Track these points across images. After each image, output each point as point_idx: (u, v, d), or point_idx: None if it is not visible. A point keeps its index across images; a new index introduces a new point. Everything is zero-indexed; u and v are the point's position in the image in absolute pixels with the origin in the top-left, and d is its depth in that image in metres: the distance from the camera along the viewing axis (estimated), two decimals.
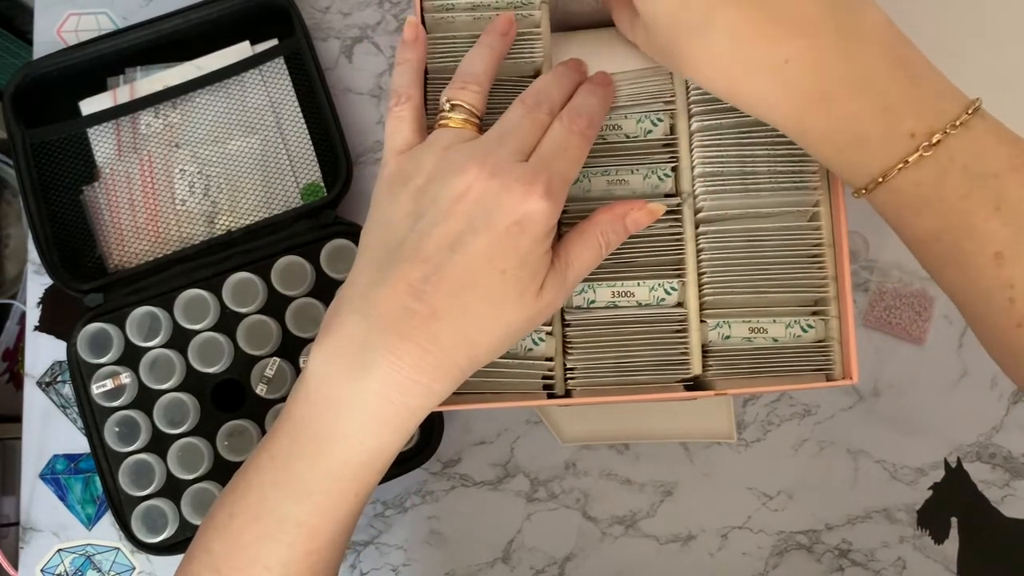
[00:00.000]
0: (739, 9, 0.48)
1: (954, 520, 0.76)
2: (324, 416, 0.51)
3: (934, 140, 0.47)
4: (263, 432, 0.75)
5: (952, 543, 0.76)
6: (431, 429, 0.75)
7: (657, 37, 0.53)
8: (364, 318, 0.50)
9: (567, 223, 0.59)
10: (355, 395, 0.50)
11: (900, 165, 0.48)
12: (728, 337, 0.59)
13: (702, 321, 0.59)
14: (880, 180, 0.49)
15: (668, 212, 0.59)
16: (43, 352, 0.82)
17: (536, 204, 0.49)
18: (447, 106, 0.54)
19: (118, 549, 0.79)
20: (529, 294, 0.51)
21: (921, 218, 0.49)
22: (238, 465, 0.56)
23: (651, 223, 0.57)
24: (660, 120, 0.60)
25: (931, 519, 0.77)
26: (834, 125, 0.49)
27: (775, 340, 0.59)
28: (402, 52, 0.57)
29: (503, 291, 0.50)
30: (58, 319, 0.82)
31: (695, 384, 0.60)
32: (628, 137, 0.60)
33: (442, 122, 0.54)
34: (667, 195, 0.60)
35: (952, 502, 0.77)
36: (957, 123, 0.47)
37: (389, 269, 0.50)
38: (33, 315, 0.82)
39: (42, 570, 0.79)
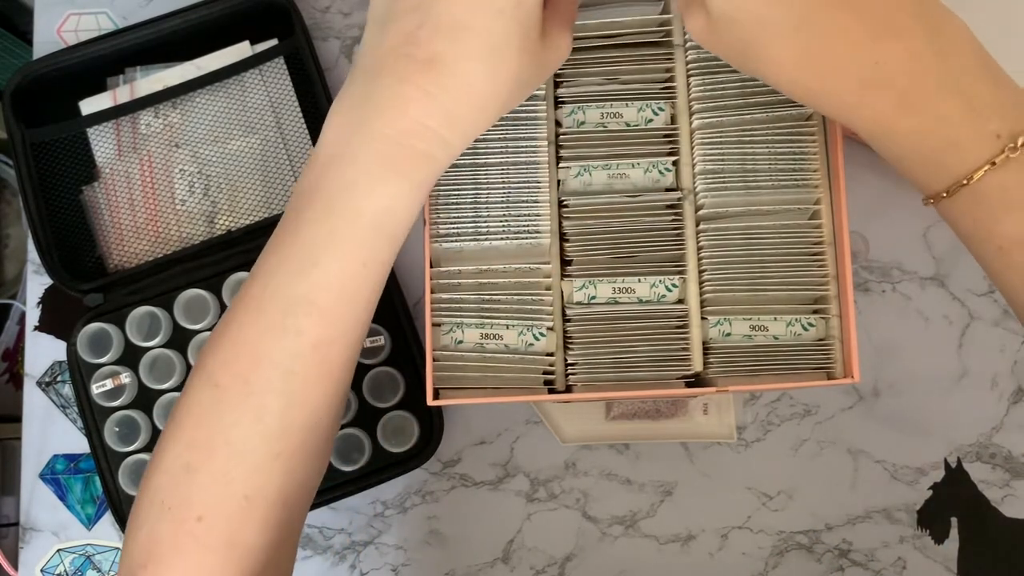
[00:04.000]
0: (833, 11, 0.47)
1: (954, 520, 0.76)
2: (332, 170, 0.49)
3: (1020, 143, 0.46)
4: None
5: (952, 543, 0.76)
6: (431, 429, 0.75)
7: (735, 36, 0.51)
8: (366, 73, 0.49)
9: (567, 218, 0.59)
10: (363, 139, 0.48)
11: (986, 167, 0.47)
12: (729, 334, 0.59)
13: (703, 318, 0.59)
14: (964, 183, 0.48)
15: (669, 208, 0.59)
16: (43, 352, 0.81)
17: None
18: None
19: (118, 549, 0.79)
20: (531, 38, 0.49)
21: (1004, 224, 0.48)
22: None
23: None
24: (661, 109, 0.60)
25: (931, 519, 0.76)
26: (922, 127, 0.48)
27: (776, 338, 0.59)
28: None
29: (504, 32, 0.48)
30: (58, 319, 0.82)
31: (696, 381, 0.60)
32: (629, 126, 0.60)
33: None
34: (668, 189, 0.60)
35: (952, 502, 0.77)
36: None
37: (386, 25, 0.49)
38: (33, 315, 0.82)
39: (42, 570, 0.79)
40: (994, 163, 0.47)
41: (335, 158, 0.49)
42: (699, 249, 0.59)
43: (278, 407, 0.49)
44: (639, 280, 0.59)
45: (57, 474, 0.79)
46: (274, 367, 0.49)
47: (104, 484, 0.75)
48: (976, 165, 0.47)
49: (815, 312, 0.59)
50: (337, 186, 0.49)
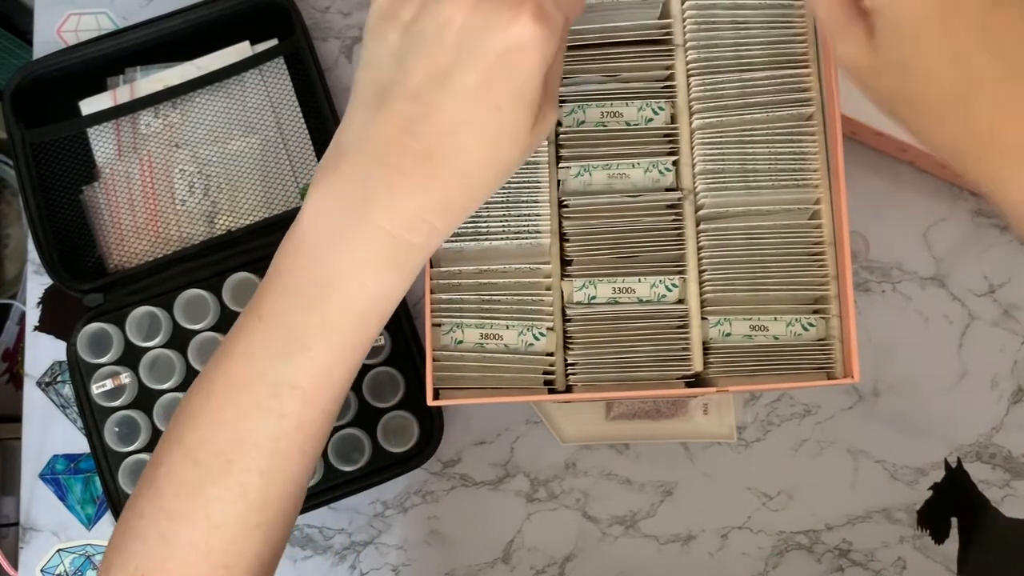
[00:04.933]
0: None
1: (954, 520, 0.76)
2: (321, 257, 0.48)
3: None
4: None
5: (952, 543, 0.76)
6: (431, 429, 0.75)
7: (904, 55, 0.46)
8: (361, 156, 0.47)
9: (567, 217, 0.59)
10: (355, 229, 0.47)
11: None
12: (729, 334, 0.59)
13: (703, 318, 0.59)
14: None
15: (669, 208, 0.59)
16: (43, 352, 0.81)
17: (525, 29, 0.45)
18: None
19: None
20: (525, 127, 0.48)
21: None
22: None
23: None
24: (661, 108, 0.60)
25: (931, 519, 0.76)
26: None
27: (776, 338, 0.59)
28: None
29: (499, 127, 0.47)
30: (58, 319, 0.82)
31: (696, 381, 0.60)
32: (629, 125, 0.60)
33: None
34: (668, 189, 0.60)
35: (952, 502, 0.77)
36: None
37: (381, 109, 0.47)
38: (33, 315, 0.82)
39: (42, 570, 0.79)
40: None
41: (326, 247, 0.48)
42: (699, 249, 0.59)
43: (260, 484, 0.49)
44: (639, 280, 0.59)
45: (57, 474, 0.79)
46: (257, 448, 0.49)
47: (104, 484, 0.75)
48: None
49: (815, 312, 0.59)
50: (328, 275, 0.48)
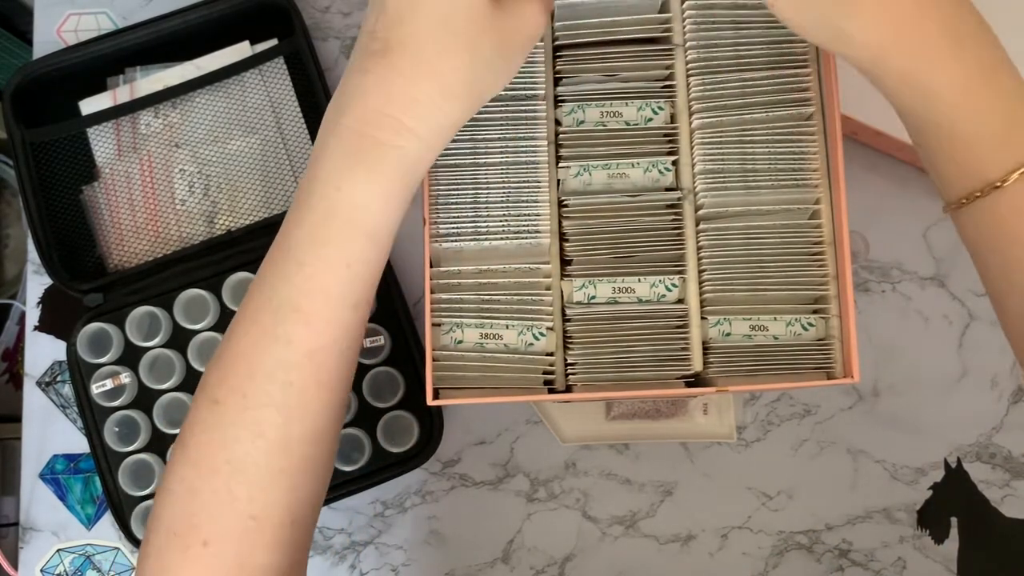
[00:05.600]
0: None
1: (954, 520, 0.76)
2: (308, 171, 0.49)
3: None
4: None
5: (952, 543, 0.76)
6: (431, 429, 0.75)
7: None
8: (344, 75, 0.50)
9: (567, 217, 0.59)
10: (331, 137, 0.49)
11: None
12: (729, 334, 0.59)
13: (703, 318, 0.59)
14: (999, 184, 0.47)
15: (669, 207, 0.59)
16: (43, 352, 0.81)
17: None
18: None
19: (118, 549, 0.79)
20: (481, 8, 0.48)
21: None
22: None
23: None
24: (661, 108, 0.60)
25: (931, 519, 0.76)
26: (998, 103, 0.48)
27: (776, 338, 0.59)
28: None
29: (451, 6, 0.48)
30: (58, 319, 0.82)
31: (696, 381, 0.59)
32: (628, 124, 0.60)
33: None
34: (668, 189, 0.60)
35: (952, 502, 0.77)
36: None
37: (366, 18, 0.50)
38: (33, 315, 0.82)
39: (42, 570, 0.79)
40: None
41: (312, 160, 0.49)
42: (699, 249, 0.59)
43: (277, 420, 0.48)
44: (639, 280, 0.59)
45: (57, 474, 0.79)
46: (269, 379, 0.48)
47: (104, 484, 0.75)
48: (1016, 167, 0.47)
49: (815, 312, 0.59)
50: (310, 185, 0.49)
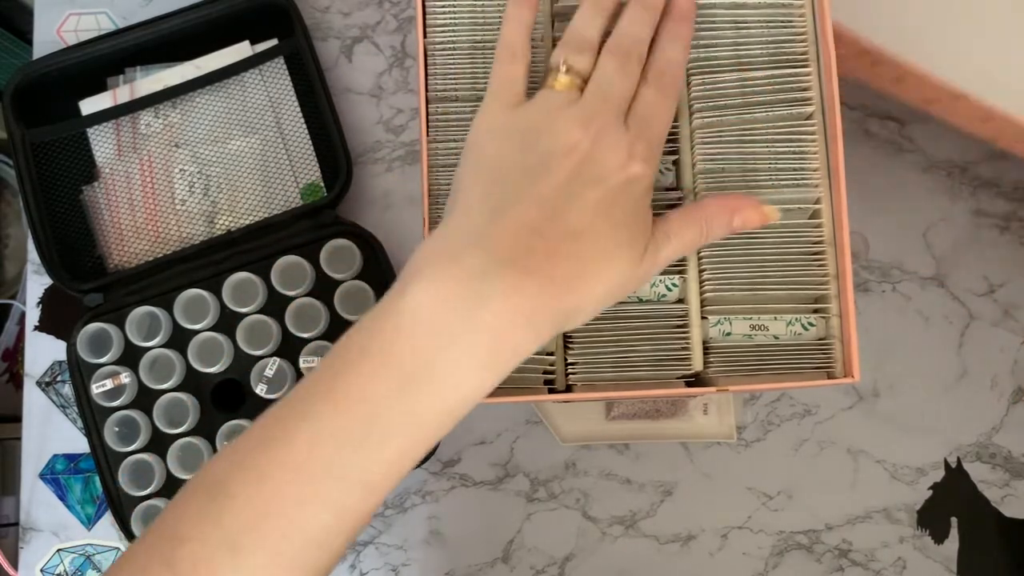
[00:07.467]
0: None
1: (954, 520, 0.76)
2: (424, 349, 0.45)
3: None
4: None
5: (952, 543, 0.76)
6: None
7: None
8: (483, 251, 0.47)
9: None
10: (468, 327, 0.45)
11: None
12: (729, 334, 0.59)
13: (703, 318, 0.59)
14: None
15: (669, 208, 0.59)
16: (43, 352, 0.81)
17: (638, 166, 0.51)
18: (563, 68, 0.53)
19: (118, 549, 0.79)
20: (637, 249, 0.51)
21: None
22: None
23: (761, 226, 0.56)
24: None
25: (931, 519, 0.76)
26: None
27: (776, 338, 0.59)
28: (517, 8, 0.55)
29: (616, 240, 0.50)
30: (58, 319, 0.82)
31: (696, 380, 0.59)
32: None
33: (551, 83, 0.53)
34: (668, 189, 0.60)
35: (952, 502, 0.77)
36: None
37: (507, 208, 0.49)
38: (33, 315, 0.82)
39: (42, 570, 0.79)
40: None
41: (434, 334, 0.46)
42: (699, 248, 0.59)
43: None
44: None
45: (57, 474, 0.79)
46: (309, 544, 0.46)
47: (104, 484, 0.75)
48: None
49: (815, 312, 0.59)
50: (425, 370, 0.46)
